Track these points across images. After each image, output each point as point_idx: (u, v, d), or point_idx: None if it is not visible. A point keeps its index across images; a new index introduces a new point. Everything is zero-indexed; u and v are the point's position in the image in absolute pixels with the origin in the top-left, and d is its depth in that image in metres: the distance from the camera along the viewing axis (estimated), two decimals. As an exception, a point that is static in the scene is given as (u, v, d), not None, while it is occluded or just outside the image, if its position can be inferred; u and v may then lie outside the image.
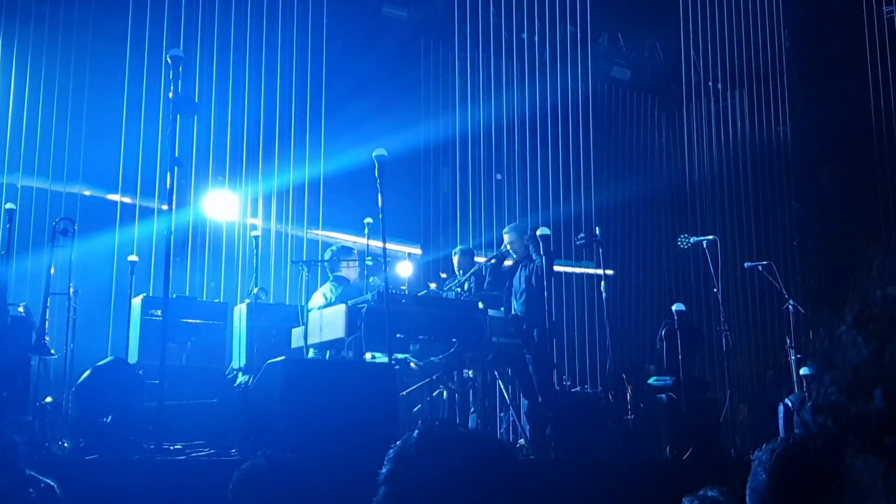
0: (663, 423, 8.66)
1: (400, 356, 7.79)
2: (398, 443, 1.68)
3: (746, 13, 14.66)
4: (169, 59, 6.32)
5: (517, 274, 8.65)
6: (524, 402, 8.49)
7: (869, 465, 1.00)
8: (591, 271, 12.80)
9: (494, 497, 1.57)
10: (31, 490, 2.61)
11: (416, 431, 1.66)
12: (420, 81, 13.41)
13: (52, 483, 2.89)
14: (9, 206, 7.53)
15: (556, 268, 9.78)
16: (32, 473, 2.83)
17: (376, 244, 8.03)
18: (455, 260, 9.36)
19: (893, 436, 0.97)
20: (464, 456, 1.60)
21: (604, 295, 9.14)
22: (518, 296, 8.54)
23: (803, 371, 9.70)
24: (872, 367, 0.98)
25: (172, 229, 6.66)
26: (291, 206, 12.09)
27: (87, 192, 11.03)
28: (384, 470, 1.61)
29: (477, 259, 9.67)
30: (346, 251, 9.03)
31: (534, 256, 8.56)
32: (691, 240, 9.83)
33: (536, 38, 13.87)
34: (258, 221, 11.76)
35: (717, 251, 9.56)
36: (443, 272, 10.54)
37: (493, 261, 9.19)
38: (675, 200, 15.40)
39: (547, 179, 14.10)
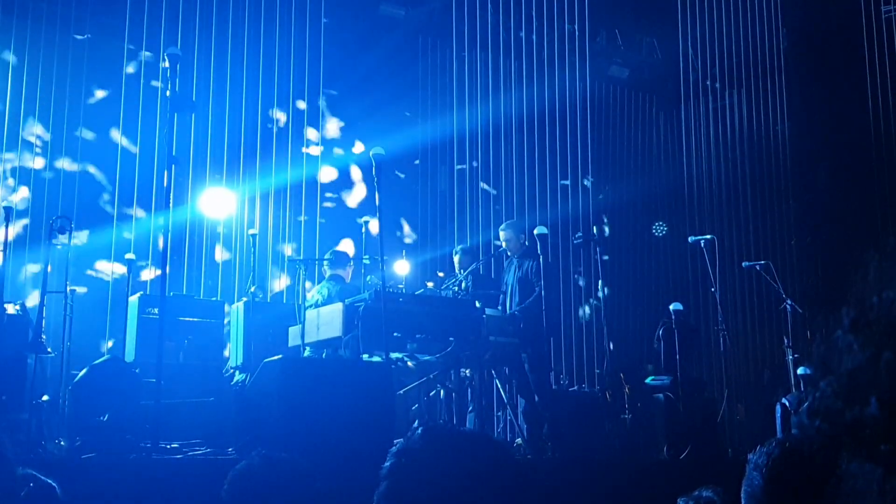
0: (660, 423, 8.67)
1: (397, 355, 7.78)
2: (402, 439, 1.69)
3: (744, 12, 14.65)
4: (167, 58, 6.32)
5: (513, 272, 8.63)
6: (521, 402, 8.48)
7: (864, 470, 1.00)
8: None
9: (493, 494, 1.58)
10: (21, 489, 2.60)
11: (421, 428, 1.68)
12: (418, 80, 13.39)
13: (53, 483, 2.87)
14: (5, 203, 7.52)
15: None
16: (33, 473, 2.81)
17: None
18: (456, 259, 9.35)
19: (889, 443, 0.97)
20: (465, 453, 1.61)
21: (601, 294, 9.15)
22: (514, 295, 8.53)
23: (801, 371, 9.71)
24: (868, 374, 0.98)
25: (170, 227, 6.66)
26: (289, 205, 12.07)
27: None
28: (387, 464, 1.62)
29: None
30: (345, 256, 9.05)
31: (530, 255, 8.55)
32: (665, 227, 9.80)
33: (534, 37, 13.85)
34: (255, 220, 11.75)
35: (715, 250, 9.55)
36: (440, 271, 10.53)
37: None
38: (673, 199, 15.39)
39: (545, 178, 14.10)
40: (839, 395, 1.03)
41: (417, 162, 13.41)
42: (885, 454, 0.99)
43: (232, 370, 8.50)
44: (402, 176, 13.33)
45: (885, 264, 1.05)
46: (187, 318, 8.51)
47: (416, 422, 8.19)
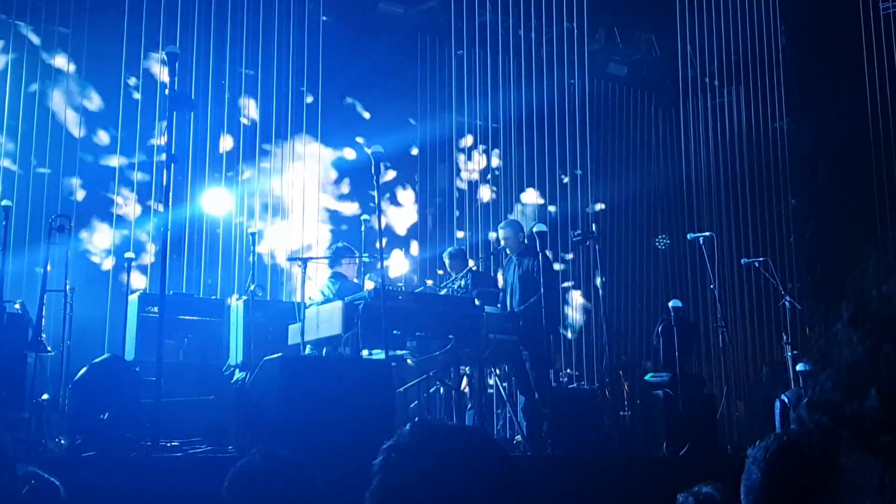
0: (660, 420, 8.67)
1: (397, 353, 7.79)
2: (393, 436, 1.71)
3: (743, 9, 14.65)
4: (165, 56, 6.32)
5: (512, 270, 8.63)
6: (521, 399, 8.48)
7: (864, 464, 1.01)
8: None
9: (484, 488, 1.59)
10: (23, 486, 2.60)
11: (410, 424, 1.69)
12: (416, 78, 13.40)
13: (57, 482, 2.88)
14: (5, 202, 7.52)
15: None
16: (36, 471, 2.82)
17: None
18: (447, 263, 9.36)
19: (888, 436, 0.98)
20: (455, 448, 1.62)
21: (601, 291, 9.15)
22: (514, 293, 8.52)
23: (800, 367, 9.71)
24: (867, 367, 0.99)
25: (169, 226, 6.67)
26: (289, 203, 12.08)
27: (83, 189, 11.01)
28: (377, 460, 1.63)
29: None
30: (347, 250, 9.03)
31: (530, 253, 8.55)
32: (668, 241, 9.82)
33: (533, 35, 13.85)
34: (255, 218, 11.76)
35: (714, 248, 9.55)
36: (440, 269, 10.55)
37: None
38: (672, 197, 15.40)
39: (543, 176, 14.11)
40: (839, 388, 1.04)
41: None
42: (884, 447, 0.99)
43: (232, 368, 8.50)
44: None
45: (885, 258, 1.06)
46: (187, 317, 8.52)
47: (417, 419, 8.20)
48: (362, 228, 8.94)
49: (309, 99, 12.20)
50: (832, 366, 1.03)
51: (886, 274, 1.03)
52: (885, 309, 1.00)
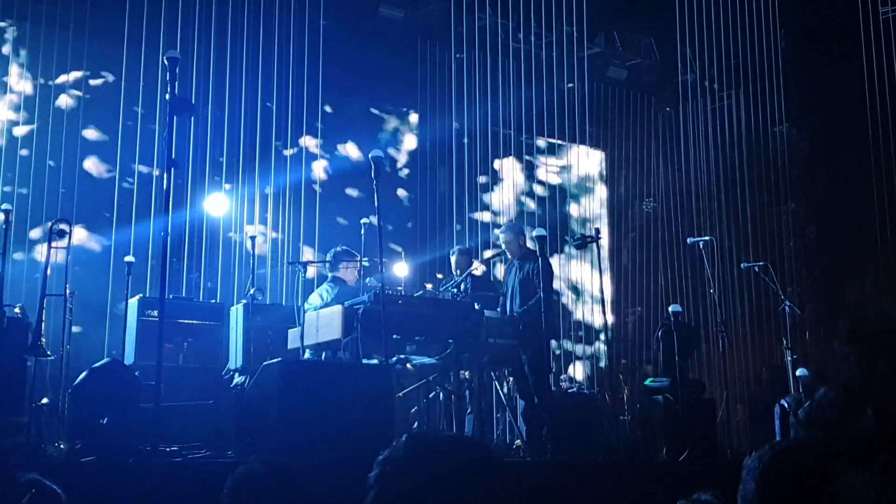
0: (660, 425, 8.67)
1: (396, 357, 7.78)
2: (388, 449, 1.71)
3: (742, 13, 14.65)
4: (166, 61, 6.31)
5: (513, 274, 8.63)
6: (521, 403, 8.48)
7: (862, 480, 1.01)
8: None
9: (478, 498, 1.59)
10: (23, 495, 2.60)
11: (405, 436, 1.70)
12: (416, 82, 13.40)
13: (58, 490, 2.87)
14: (5, 206, 7.51)
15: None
16: (37, 478, 2.81)
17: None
18: (453, 260, 9.35)
19: (885, 454, 0.98)
20: (449, 459, 1.62)
21: (600, 295, 9.14)
22: (514, 297, 8.52)
23: (799, 372, 9.71)
24: (864, 385, 0.99)
25: (169, 230, 6.66)
26: (289, 207, 12.07)
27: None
28: (373, 473, 1.63)
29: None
30: (346, 254, 9.01)
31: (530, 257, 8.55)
32: (654, 203, 9.68)
33: (533, 39, 13.86)
34: (255, 222, 11.76)
35: (714, 252, 9.55)
36: (439, 273, 10.54)
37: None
38: (672, 201, 15.40)
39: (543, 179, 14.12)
40: (835, 405, 1.04)
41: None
42: (881, 464, 1.00)
43: (231, 373, 8.49)
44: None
45: (881, 278, 1.06)
46: (187, 321, 8.50)
47: (416, 424, 8.21)
48: (362, 231, 8.92)
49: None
50: (829, 383, 1.04)
51: (882, 292, 1.04)
52: (882, 326, 1.01)
